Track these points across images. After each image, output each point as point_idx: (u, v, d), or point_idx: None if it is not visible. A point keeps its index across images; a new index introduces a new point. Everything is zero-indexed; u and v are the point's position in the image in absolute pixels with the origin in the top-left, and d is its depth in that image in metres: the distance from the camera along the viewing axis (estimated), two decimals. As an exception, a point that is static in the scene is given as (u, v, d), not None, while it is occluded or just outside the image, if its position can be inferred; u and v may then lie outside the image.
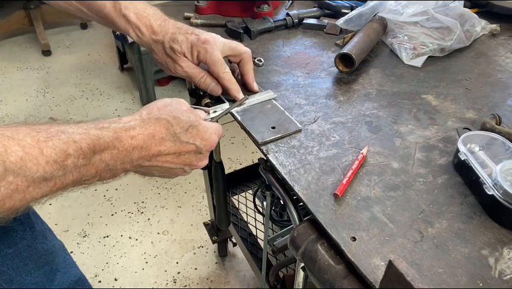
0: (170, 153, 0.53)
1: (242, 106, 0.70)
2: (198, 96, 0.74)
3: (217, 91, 0.70)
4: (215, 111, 0.67)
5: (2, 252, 0.70)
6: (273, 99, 0.72)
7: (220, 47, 0.68)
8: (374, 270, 0.45)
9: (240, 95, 0.69)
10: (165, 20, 0.72)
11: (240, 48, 0.71)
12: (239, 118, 0.67)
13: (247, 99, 0.71)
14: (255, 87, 0.73)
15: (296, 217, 0.65)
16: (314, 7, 1.01)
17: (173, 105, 0.55)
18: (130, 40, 2.09)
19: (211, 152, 1.12)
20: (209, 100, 0.71)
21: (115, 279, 1.51)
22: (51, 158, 0.41)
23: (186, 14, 0.97)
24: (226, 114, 0.67)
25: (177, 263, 1.57)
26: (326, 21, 0.96)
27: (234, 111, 0.68)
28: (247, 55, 0.71)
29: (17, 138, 0.39)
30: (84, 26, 3.12)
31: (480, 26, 0.91)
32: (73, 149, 0.43)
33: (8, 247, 0.71)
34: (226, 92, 0.70)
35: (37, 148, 0.40)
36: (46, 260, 0.80)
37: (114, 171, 0.48)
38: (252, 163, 1.69)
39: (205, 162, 0.58)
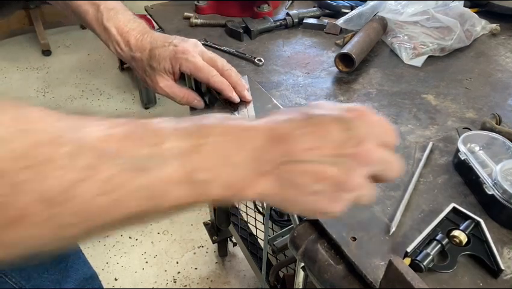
0: (305, 133, 0.34)
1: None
2: (200, 93, 0.74)
3: (200, 105, 0.70)
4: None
5: None
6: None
7: (200, 54, 0.66)
8: (374, 269, 0.45)
9: (234, 94, 0.66)
10: (144, 34, 0.67)
11: (217, 62, 0.66)
12: (239, 118, 0.67)
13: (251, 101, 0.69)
14: (247, 96, 0.68)
15: (296, 216, 0.65)
16: (314, 7, 1.01)
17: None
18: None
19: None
20: None
21: (115, 279, 1.51)
22: (145, 138, 0.29)
23: (186, 14, 0.97)
24: None
25: (177, 263, 1.57)
26: (326, 21, 0.96)
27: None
28: (225, 70, 0.66)
29: (92, 120, 0.28)
30: (83, 26, 3.12)
31: (481, 25, 0.91)
32: (172, 129, 0.30)
33: None
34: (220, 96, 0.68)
35: (119, 128, 0.29)
36: (62, 257, 0.80)
37: (238, 168, 0.31)
38: (252, 163, 1.69)
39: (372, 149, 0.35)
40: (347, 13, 0.91)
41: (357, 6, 0.93)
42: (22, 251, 0.25)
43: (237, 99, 0.67)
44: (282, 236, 1.08)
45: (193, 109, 0.75)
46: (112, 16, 0.67)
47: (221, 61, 0.67)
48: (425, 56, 0.84)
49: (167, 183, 0.28)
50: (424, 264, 0.43)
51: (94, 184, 0.25)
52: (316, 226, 0.52)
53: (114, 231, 0.29)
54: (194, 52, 0.65)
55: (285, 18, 0.95)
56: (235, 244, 1.52)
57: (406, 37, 0.87)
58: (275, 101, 0.71)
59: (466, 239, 0.46)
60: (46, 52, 2.80)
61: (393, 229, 0.49)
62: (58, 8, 0.72)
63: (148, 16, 1.03)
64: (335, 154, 0.33)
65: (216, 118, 0.33)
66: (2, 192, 0.23)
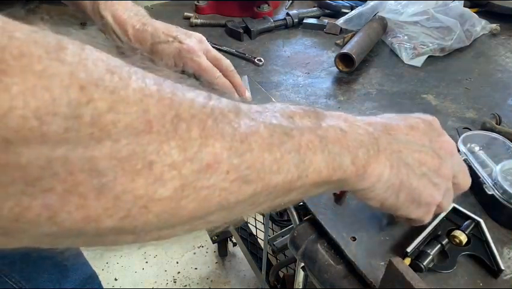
0: (400, 124, 0.38)
1: None
2: None
3: None
4: None
5: (22, 250, 0.70)
6: None
7: (205, 52, 0.65)
8: (374, 269, 0.45)
9: (236, 96, 0.66)
10: (144, 24, 0.64)
11: (221, 61, 0.66)
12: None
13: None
14: (248, 97, 0.70)
15: (296, 216, 0.65)
16: (314, 7, 1.01)
17: None
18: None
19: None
20: None
21: (115, 279, 1.51)
22: (277, 112, 0.30)
23: (186, 14, 0.97)
24: None
25: (177, 263, 1.57)
26: (326, 21, 0.96)
27: None
28: (229, 71, 0.67)
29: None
30: (84, 25, 3.12)
31: (481, 25, 0.91)
32: (294, 108, 0.31)
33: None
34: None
35: (258, 105, 0.30)
36: (61, 258, 0.80)
37: (360, 141, 0.33)
38: (252, 163, 1.69)
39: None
40: (347, 13, 0.91)
41: (357, 6, 0.93)
42: (213, 205, 0.25)
43: None
44: (282, 236, 1.09)
45: None
46: (108, 5, 0.64)
47: (225, 61, 0.67)
48: (425, 56, 0.84)
49: (309, 149, 0.29)
50: (424, 264, 0.43)
51: (261, 140, 0.26)
52: (316, 226, 0.52)
53: (269, 206, 0.30)
54: (199, 51, 0.64)
55: (285, 18, 0.95)
56: (235, 244, 1.52)
57: (406, 37, 0.87)
58: (275, 101, 0.71)
59: (466, 239, 0.46)
60: (46, 52, 2.80)
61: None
62: (70, 8, 0.70)
63: (148, 16, 1.03)
64: (427, 141, 0.38)
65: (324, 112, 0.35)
66: (195, 136, 0.23)
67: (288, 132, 0.28)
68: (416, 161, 0.36)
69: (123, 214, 0.21)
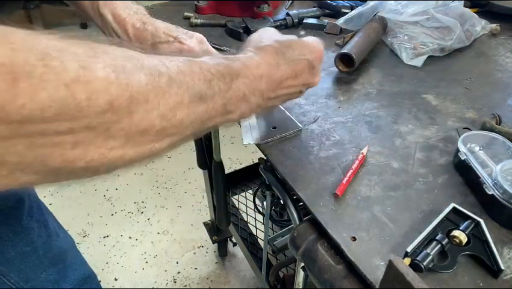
0: (288, 77, 0.51)
1: None
2: None
3: None
4: None
5: (20, 250, 0.70)
6: None
7: (205, 54, 0.65)
8: (374, 270, 0.45)
9: None
10: (144, 23, 0.64)
11: None
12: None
13: None
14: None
15: (296, 216, 0.65)
16: (314, 7, 1.01)
17: (264, 33, 0.55)
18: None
19: (211, 152, 1.13)
20: None
21: (115, 279, 1.51)
22: (201, 75, 0.39)
23: (186, 13, 0.97)
24: None
25: (177, 263, 1.57)
26: (326, 21, 0.96)
27: None
28: None
29: (169, 57, 0.39)
30: (83, 25, 3.12)
31: (481, 25, 0.91)
32: (215, 69, 0.41)
33: (26, 245, 0.71)
34: None
35: (187, 65, 0.39)
36: (59, 257, 0.80)
37: (250, 103, 0.46)
38: (252, 163, 1.69)
39: (319, 77, 0.57)
40: (347, 13, 0.91)
41: (357, 6, 0.93)
42: (147, 151, 0.36)
43: None
44: (282, 236, 1.09)
45: None
46: (108, 3, 0.63)
47: None
48: (425, 56, 0.84)
49: (214, 113, 0.41)
50: (424, 264, 0.43)
51: (182, 107, 0.37)
52: (316, 226, 0.52)
53: (187, 141, 0.41)
54: (200, 52, 0.64)
55: (285, 18, 0.95)
56: (235, 244, 1.52)
57: (406, 37, 0.87)
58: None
59: (466, 239, 0.46)
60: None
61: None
62: (73, 8, 0.70)
63: (148, 16, 1.02)
64: (302, 86, 0.54)
65: (240, 62, 0.46)
66: (140, 109, 0.33)
67: (204, 97, 0.39)
68: (282, 101, 0.53)
69: (89, 159, 0.31)
